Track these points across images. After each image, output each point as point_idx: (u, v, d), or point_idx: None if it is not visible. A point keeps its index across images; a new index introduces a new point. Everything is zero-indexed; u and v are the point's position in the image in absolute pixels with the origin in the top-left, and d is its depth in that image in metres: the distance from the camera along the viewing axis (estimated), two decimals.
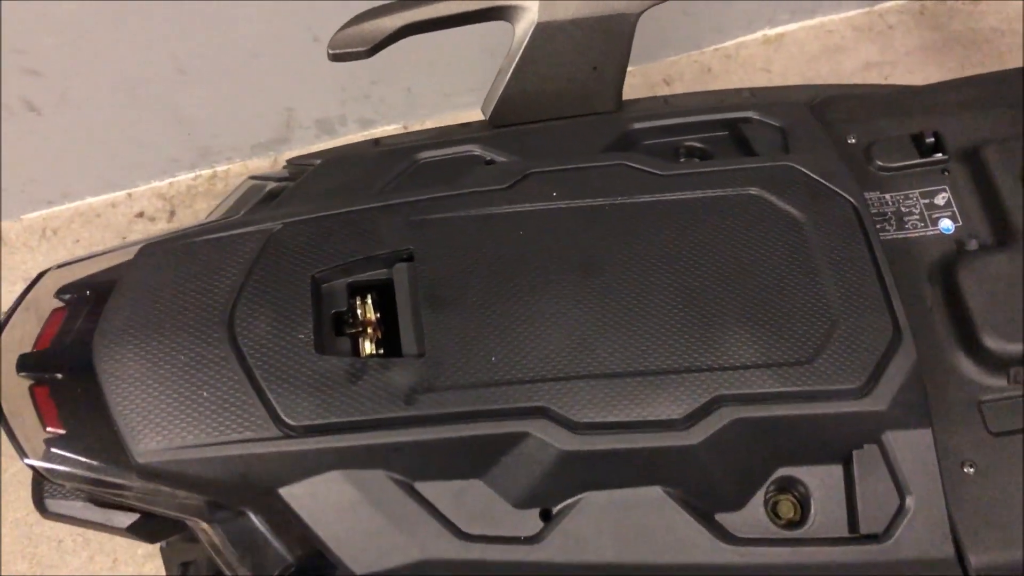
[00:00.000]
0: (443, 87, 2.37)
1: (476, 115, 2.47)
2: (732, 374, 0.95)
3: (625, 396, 0.93)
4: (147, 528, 1.14)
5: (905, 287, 1.06)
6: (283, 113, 2.33)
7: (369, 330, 0.99)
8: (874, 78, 2.40)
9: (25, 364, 0.97)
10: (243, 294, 0.97)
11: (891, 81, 2.40)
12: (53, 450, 0.93)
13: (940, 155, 1.17)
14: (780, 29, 2.55)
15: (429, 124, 2.43)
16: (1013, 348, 1.03)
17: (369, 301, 1.00)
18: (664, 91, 2.42)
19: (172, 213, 2.39)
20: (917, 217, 1.14)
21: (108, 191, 2.41)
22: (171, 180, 2.42)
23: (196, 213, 2.38)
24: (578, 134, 1.17)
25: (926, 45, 2.45)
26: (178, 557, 1.35)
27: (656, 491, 0.94)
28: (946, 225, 1.13)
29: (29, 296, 1.02)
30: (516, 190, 1.06)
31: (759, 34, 2.54)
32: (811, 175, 1.07)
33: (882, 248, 1.04)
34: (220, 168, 2.41)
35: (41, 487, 1.13)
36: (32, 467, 0.92)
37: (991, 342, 1.03)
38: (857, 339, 0.97)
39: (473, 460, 0.94)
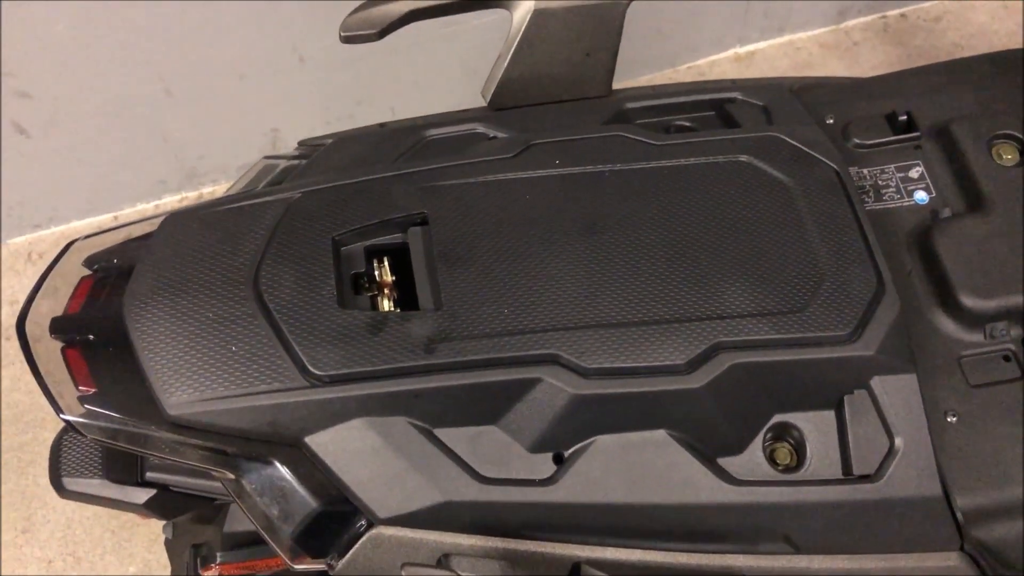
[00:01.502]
0: (426, 106, 2.41)
1: None
2: (730, 322, 1.00)
3: (631, 344, 0.98)
4: (163, 503, 1.18)
5: (886, 254, 1.12)
6: (269, 134, 2.37)
7: (386, 291, 1.03)
8: None
9: (57, 326, 1.00)
10: (267, 255, 1.01)
11: None
12: (87, 406, 0.96)
13: (913, 133, 1.24)
14: (750, 47, 2.63)
15: None
16: (988, 305, 1.09)
17: (386, 264, 1.05)
18: None
19: None
20: (893, 189, 1.21)
21: (95, 214, 2.41)
22: (157, 202, 2.44)
23: None
24: (576, 113, 1.24)
25: (891, 60, 2.54)
26: (186, 542, 1.37)
27: (661, 434, 0.99)
28: (920, 196, 1.20)
29: (58, 266, 1.06)
30: (521, 158, 1.12)
31: (730, 52, 2.62)
32: (795, 144, 1.14)
33: (863, 208, 1.10)
34: (206, 190, 2.43)
35: (59, 466, 1.16)
36: (67, 421, 0.95)
37: (968, 300, 1.09)
38: (844, 290, 1.03)
39: (489, 406, 0.98)
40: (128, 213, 2.42)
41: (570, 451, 0.99)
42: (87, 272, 1.06)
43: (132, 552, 2.15)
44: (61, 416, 0.94)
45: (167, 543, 1.45)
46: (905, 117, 1.24)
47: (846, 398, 1.02)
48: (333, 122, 2.39)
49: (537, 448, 0.99)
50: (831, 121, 1.26)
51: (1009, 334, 1.09)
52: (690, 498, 0.98)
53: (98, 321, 1.00)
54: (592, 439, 0.99)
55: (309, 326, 0.97)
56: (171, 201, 2.43)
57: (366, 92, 2.37)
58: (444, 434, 0.98)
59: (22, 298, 2.40)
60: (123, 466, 1.16)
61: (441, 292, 1.01)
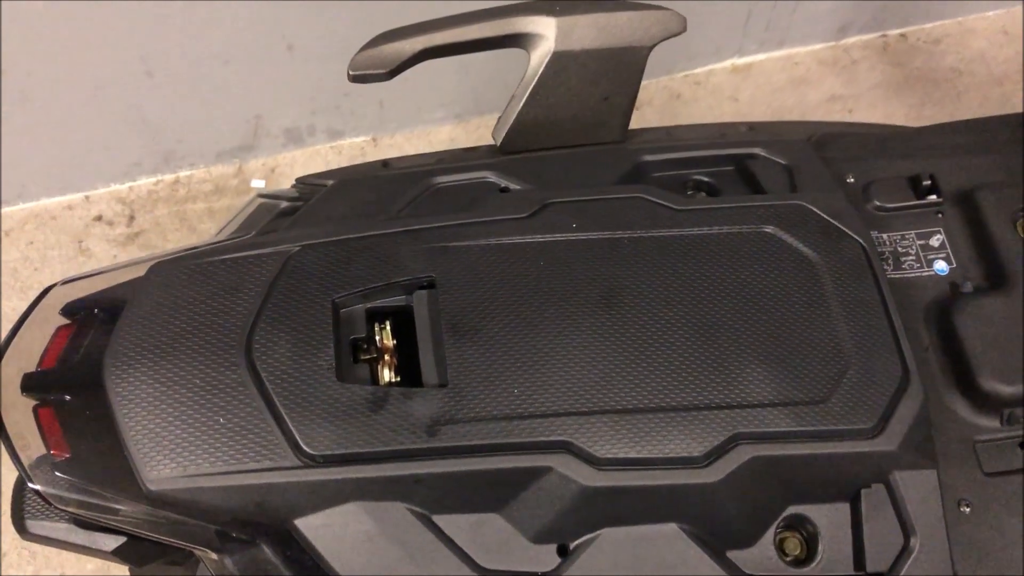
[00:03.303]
0: (415, 101, 2.36)
1: (447, 130, 2.47)
2: (750, 412, 0.96)
3: (647, 432, 0.93)
4: (134, 552, 1.11)
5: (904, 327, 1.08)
6: (251, 121, 2.30)
7: (387, 356, 0.97)
8: (838, 111, 2.46)
9: (30, 384, 0.93)
10: (261, 317, 0.94)
11: (854, 115, 2.46)
12: (58, 474, 0.89)
13: (935, 197, 1.20)
14: (748, 59, 2.59)
15: (399, 136, 2.41)
16: (1007, 390, 1.05)
17: (388, 327, 0.99)
18: (635, 115, 2.44)
19: (132, 218, 2.33)
20: (913, 258, 1.17)
21: (65, 193, 2.34)
22: (131, 184, 2.37)
23: (156, 218, 2.33)
24: (591, 164, 1.18)
25: (888, 81, 2.52)
26: None
27: (673, 528, 0.94)
28: (940, 267, 1.16)
29: (33, 314, 0.98)
30: (536, 219, 1.05)
31: (728, 63, 2.58)
32: (821, 214, 1.09)
33: (889, 288, 1.05)
34: (183, 173, 2.37)
35: (22, 507, 1.09)
36: (37, 492, 0.88)
37: (986, 384, 1.05)
38: (869, 380, 0.99)
39: (493, 493, 0.93)
40: (100, 193, 2.34)
41: (576, 543, 0.94)
42: (65, 321, 0.99)
43: None
44: (30, 486, 0.88)
45: (131, 571, 1.39)
46: (929, 181, 1.20)
47: (863, 492, 0.98)
48: (319, 112, 2.33)
49: (541, 539, 0.94)
50: (852, 180, 1.22)
51: None
52: None
53: (75, 380, 0.93)
54: (599, 531, 0.94)
55: (304, 400, 0.91)
56: (146, 183, 2.36)
57: (355, 85, 2.30)
58: (444, 521, 0.92)
59: None
60: None
61: (447, 367, 0.95)
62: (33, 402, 0.93)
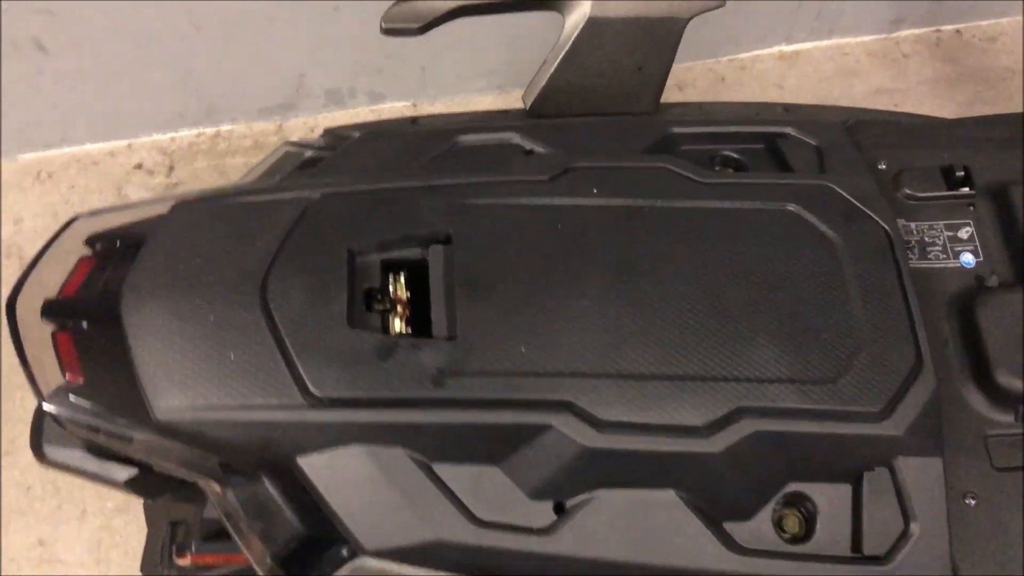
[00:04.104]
0: (457, 69, 2.37)
1: (488, 100, 2.47)
2: (757, 386, 0.96)
3: (651, 398, 0.94)
4: (145, 484, 1.13)
5: (924, 318, 1.07)
6: (294, 79, 2.32)
7: (399, 308, 0.98)
8: (884, 104, 2.42)
9: (49, 310, 0.96)
10: (278, 260, 0.96)
11: (900, 109, 2.42)
12: (71, 398, 0.91)
13: (967, 189, 1.18)
14: (796, 47, 2.56)
15: (439, 104, 2.42)
16: (1022, 386, 1.04)
17: (402, 279, 1.00)
18: (677, 96, 2.43)
19: (171, 168, 2.37)
20: (940, 248, 1.15)
21: (108, 139, 2.38)
22: (173, 135, 2.40)
23: (195, 170, 2.36)
24: (618, 132, 1.17)
25: (939, 77, 2.47)
26: (164, 515, 1.34)
27: (670, 495, 0.95)
28: (967, 259, 1.15)
29: (57, 242, 1.00)
30: (557, 183, 1.06)
31: (775, 49, 2.55)
32: (847, 197, 1.08)
33: (910, 275, 1.05)
34: (224, 128, 2.40)
35: (41, 433, 1.12)
36: (49, 412, 0.90)
37: (1003, 379, 1.04)
38: (881, 364, 0.98)
39: (494, 447, 0.94)
40: (143, 142, 2.39)
41: (572, 502, 0.95)
42: (87, 252, 1.01)
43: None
44: (44, 407, 0.90)
45: (145, 505, 1.42)
46: (962, 172, 1.18)
47: (866, 474, 0.98)
48: (361, 73, 2.35)
49: (538, 495, 0.95)
50: (883, 167, 1.21)
51: None
52: (692, 563, 0.94)
53: (93, 308, 0.95)
54: (597, 492, 0.95)
55: (314, 343, 0.92)
56: (187, 135, 2.39)
57: (398, 48, 2.31)
58: (443, 470, 0.93)
59: (25, 216, 2.38)
60: None
61: (457, 320, 0.96)
62: (52, 327, 0.95)
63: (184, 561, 1.16)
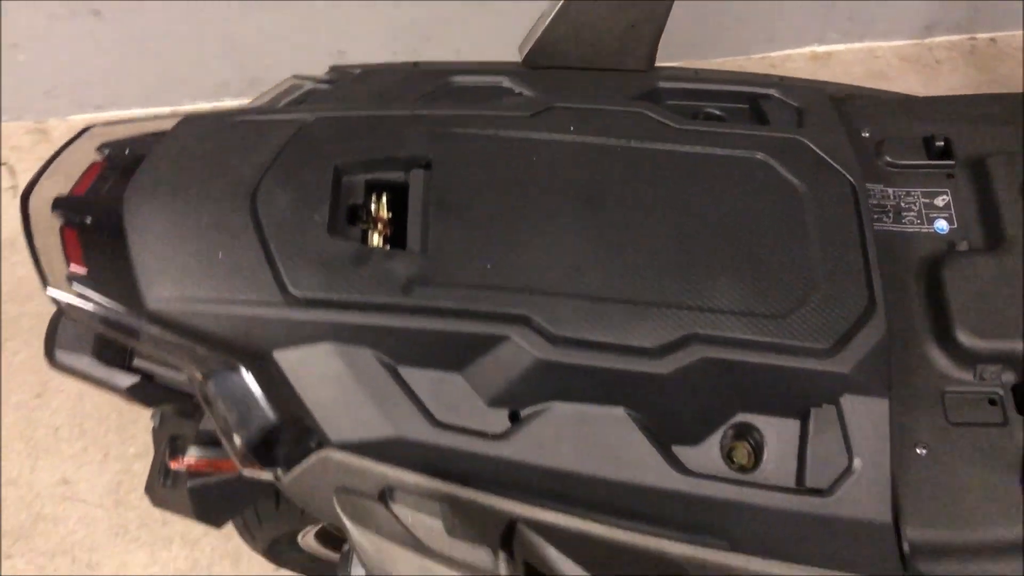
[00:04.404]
0: (492, 55, 2.43)
1: None
2: (709, 316, 1.00)
3: (605, 319, 0.99)
4: (145, 392, 1.21)
5: (891, 276, 1.11)
6: (335, 55, 2.40)
7: (380, 226, 1.05)
8: None
9: (59, 204, 1.04)
10: (269, 172, 1.03)
11: None
12: (74, 285, 0.99)
13: (948, 160, 1.21)
14: (828, 47, 2.58)
15: None
16: (984, 345, 1.06)
17: (384, 199, 1.06)
18: None
19: None
20: (915, 214, 1.18)
21: (154, 104, 2.49)
22: (217, 104, 2.49)
23: None
24: (606, 84, 1.23)
25: (970, 84, 2.48)
26: (167, 434, 1.41)
27: (620, 412, 1.00)
28: (941, 226, 1.17)
29: (72, 146, 1.09)
30: (538, 119, 1.12)
31: (807, 49, 2.58)
32: (816, 150, 1.12)
33: (872, 228, 1.08)
34: None
35: (54, 338, 1.21)
36: (52, 298, 0.98)
37: (963, 337, 1.07)
38: (832, 304, 1.02)
39: (456, 354, 1.00)
40: (187, 109, 2.48)
41: (527, 411, 1.00)
42: (98, 158, 1.09)
43: (135, 434, 2.23)
44: (47, 291, 0.98)
45: (153, 431, 1.50)
46: (943, 143, 1.21)
47: (813, 411, 1.01)
48: (399, 52, 2.42)
49: (495, 403, 1.00)
50: (867, 134, 1.24)
51: (1000, 379, 1.06)
52: (636, 478, 0.99)
53: (99, 206, 1.03)
54: (550, 404, 1.00)
55: (296, 247, 0.99)
56: (231, 104, 2.47)
57: (436, 30, 2.38)
58: (408, 373, 1.00)
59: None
60: (113, 349, 1.20)
61: (429, 237, 1.02)
62: (60, 222, 1.03)
63: (176, 465, 1.23)
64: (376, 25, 2.34)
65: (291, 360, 0.98)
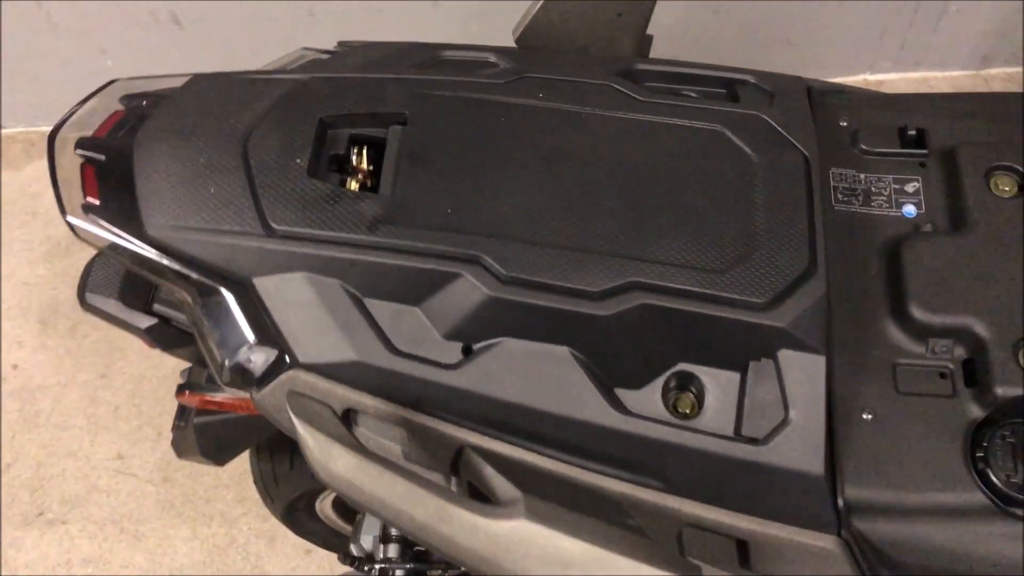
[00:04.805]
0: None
1: None
2: (652, 266, 1.07)
3: (553, 263, 1.07)
4: (162, 334, 1.34)
5: (853, 253, 1.16)
6: None
7: (360, 176, 1.16)
8: None
9: (81, 144, 1.18)
10: (262, 122, 1.16)
11: None
12: (88, 214, 1.13)
13: (921, 149, 1.25)
14: (880, 76, 2.59)
15: None
16: (936, 320, 1.10)
17: (365, 152, 1.17)
18: None
19: None
20: (884, 199, 1.22)
21: None
22: None
23: None
24: (586, 63, 1.32)
25: None
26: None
27: (564, 351, 1.07)
28: (909, 210, 1.21)
29: (98, 96, 1.24)
30: (510, 86, 1.22)
31: (859, 77, 2.59)
32: (774, 125, 1.19)
33: (823, 200, 1.14)
34: None
35: (85, 283, 1.35)
36: (69, 223, 1.12)
37: (916, 311, 1.10)
38: (773, 263, 1.08)
39: (415, 289, 1.09)
40: None
41: (478, 345, 1.09)
42: (120, 107, 1.24)
43: None
44: (66, 218, 1.12)
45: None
46: (915, 132, 1.26)
47: (752, 364, 1.07)
48: None
49: (450, 336, 1.09)
50: (845, 123, 1.29)
51: (952, 353, 1.09)
52: (575, 413, 1.06)
53: (115, 148, 1.17)
54: (500, 339, 1.08)
55: (278, 186, 1.11)
56: None
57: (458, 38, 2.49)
58: (372, 304, 1.09)
59: None
60: (136, 294, 1.34)
61: (398, 183, 1.13)
62: (81, 160, 1.17)
63: (183, 400, 1.35)
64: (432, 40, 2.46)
65: (268, 287, 1.09)
